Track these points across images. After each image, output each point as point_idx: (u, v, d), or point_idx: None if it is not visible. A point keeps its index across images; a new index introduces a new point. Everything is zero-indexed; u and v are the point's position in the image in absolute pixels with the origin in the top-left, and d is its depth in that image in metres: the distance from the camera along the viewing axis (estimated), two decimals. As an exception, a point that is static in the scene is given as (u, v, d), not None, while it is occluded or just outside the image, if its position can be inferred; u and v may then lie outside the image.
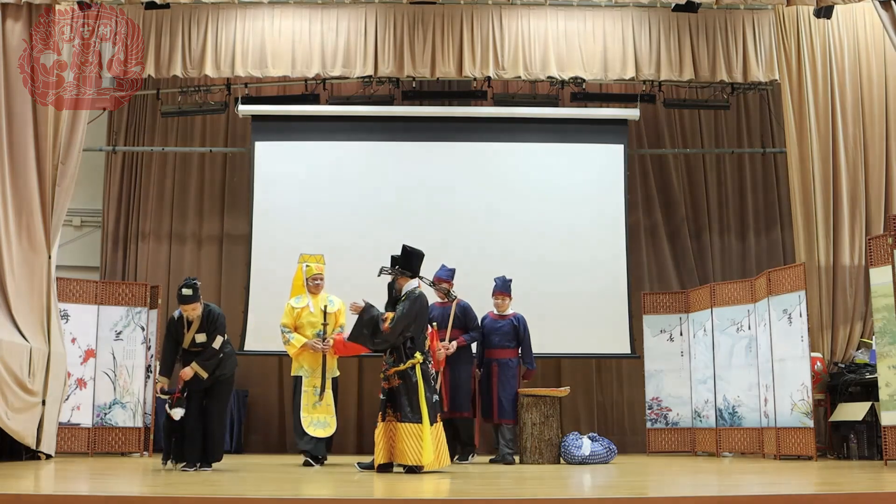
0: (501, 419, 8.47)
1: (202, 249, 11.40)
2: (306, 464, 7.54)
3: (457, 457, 8.25)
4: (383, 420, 6.54)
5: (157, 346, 9.70)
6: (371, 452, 6.75)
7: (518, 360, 8.67)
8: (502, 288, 8.74)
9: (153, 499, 4.33)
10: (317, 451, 7.61)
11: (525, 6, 9.97)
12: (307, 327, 7.81)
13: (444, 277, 8.39)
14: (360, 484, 5.35)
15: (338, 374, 7.99)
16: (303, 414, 7.64)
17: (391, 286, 6.90)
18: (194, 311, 6.77)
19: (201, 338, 6.79)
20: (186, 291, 6.71)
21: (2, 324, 7.94)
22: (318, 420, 7.65)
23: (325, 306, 7.83)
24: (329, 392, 7.74)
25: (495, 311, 8.74)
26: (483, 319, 8.70)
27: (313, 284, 7.95)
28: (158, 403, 8.60)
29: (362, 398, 10.84)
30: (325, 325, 7.75)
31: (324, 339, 7.70)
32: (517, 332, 8.67)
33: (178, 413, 6.65)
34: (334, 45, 9.90)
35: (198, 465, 6.76)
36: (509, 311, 8.74)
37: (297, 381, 7.76)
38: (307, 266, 8.02)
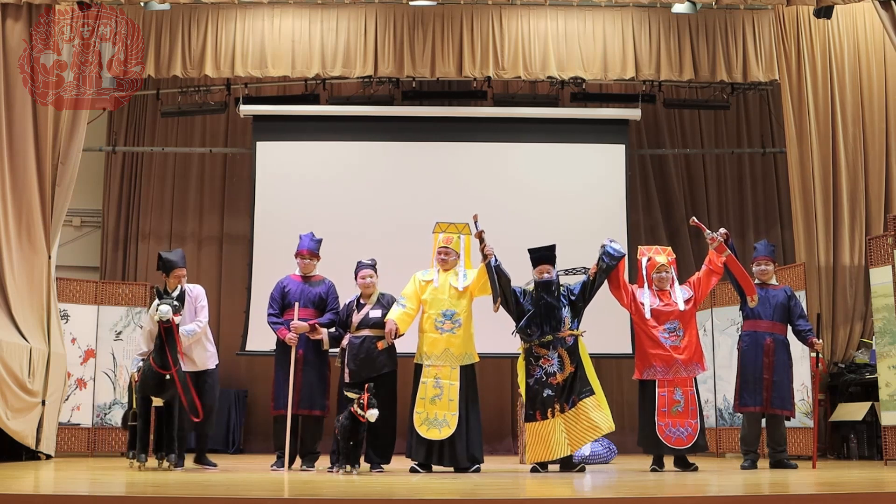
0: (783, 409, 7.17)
1: (202, 249, 11.39)
2: (413, 470, 6.64)
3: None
4: (552, 416, 6.71)
5: (157, 346, 9.71)
6: None
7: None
8: (765, 252, 7.58)
9: (153, 499, 4.32)
10: (428, 460, 6.63)
11: (525, 6, 9.96)
12: (431, 305, 6.83)
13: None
14: (361, 484, 5.34)
15: (476, 360, 6.86)
16: (416, 409, 6.67)
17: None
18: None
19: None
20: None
21: (2, 324, 7.93)
22: (434, 418, 6.63)
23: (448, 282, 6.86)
24: (455, 385, 6.66)
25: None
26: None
27: (439, 258, 6.98)
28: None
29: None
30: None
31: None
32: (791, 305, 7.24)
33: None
34: (334, 45, 9.90)
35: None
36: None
37: (417, 370, 6.79)
38: (443, 235, 7.05)
